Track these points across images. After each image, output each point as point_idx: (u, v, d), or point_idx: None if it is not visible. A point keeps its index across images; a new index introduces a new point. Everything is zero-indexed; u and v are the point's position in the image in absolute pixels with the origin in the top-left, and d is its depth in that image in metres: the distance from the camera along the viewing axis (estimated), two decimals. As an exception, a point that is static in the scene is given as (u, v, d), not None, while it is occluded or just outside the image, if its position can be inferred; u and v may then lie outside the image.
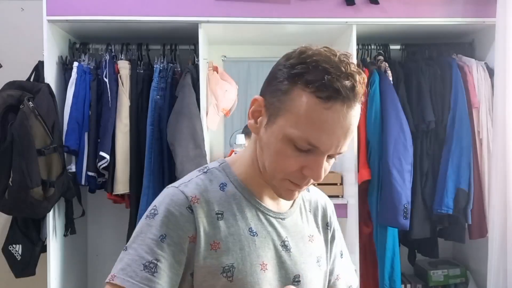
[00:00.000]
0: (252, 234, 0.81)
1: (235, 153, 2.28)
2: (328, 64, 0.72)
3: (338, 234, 1.00)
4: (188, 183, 0.83)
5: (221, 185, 0.84)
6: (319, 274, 0.90)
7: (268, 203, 0.86)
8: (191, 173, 0.88)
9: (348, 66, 0.73)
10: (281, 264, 0.83)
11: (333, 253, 0.98)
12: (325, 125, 0.73)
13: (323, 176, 0.78)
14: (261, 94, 0.81)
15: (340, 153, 0.77)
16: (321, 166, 0.76)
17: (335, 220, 1.00)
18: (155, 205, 0.81)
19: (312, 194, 0.97)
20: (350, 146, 2.16)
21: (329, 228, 0.97)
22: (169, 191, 0.83)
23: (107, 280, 0.76)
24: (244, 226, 0.81)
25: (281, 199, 0.86)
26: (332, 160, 0.80)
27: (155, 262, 0.75)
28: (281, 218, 0.86)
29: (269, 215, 0.85)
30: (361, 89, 0.73)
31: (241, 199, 0.83)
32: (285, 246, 0.84)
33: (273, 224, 0.84)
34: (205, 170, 0.87)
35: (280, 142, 0.76)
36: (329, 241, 0.96)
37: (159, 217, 0.78)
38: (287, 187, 0.80)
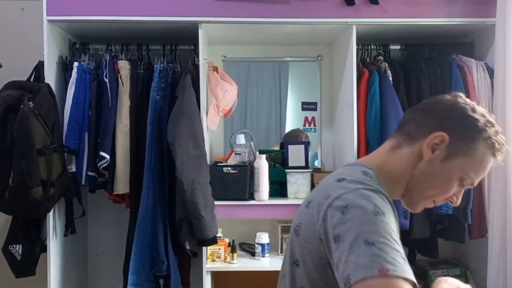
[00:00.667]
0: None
1: (235, 154, 2.29)
2: (501, 133, 0.97)
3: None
4: (364, 181, 0.90)
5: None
6: None
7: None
8: (352, 173, 0.93)
9: (501, 136, 0.98)
10: None
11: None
12: (486, 169, 0.98)
13: None
14: (442, 129, 0.94)
15: None
16: (460, 195, 1.01)
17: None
18: (375, 204, 0.82)
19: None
20: (350, 146, 2.17)
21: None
22: (366, 193, 0.85)
23: (373, 274, 0.71)
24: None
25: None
26: None
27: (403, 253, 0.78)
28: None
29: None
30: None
31: (389, 206, 0.90)
32: None
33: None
34: (364, 172, 0.94)
35: (454, 177, 0.96)
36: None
37: (387, 213, 0.83)
38: (426, 205, 1.02)
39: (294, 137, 2.57)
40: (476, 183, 0.98)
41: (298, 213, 0.98)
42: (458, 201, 1.01)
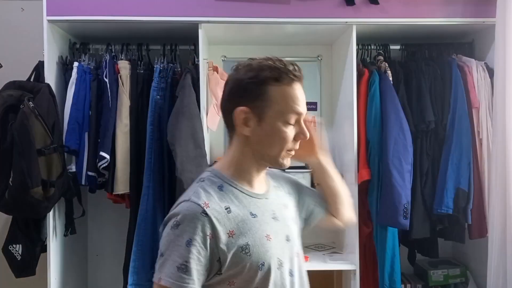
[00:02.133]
0: (253, 216, 1.04)
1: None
2: (271, 62, 1.04)
3: (302, 185, 1.30)
4: (195, 194, 1.02)
5: (219, 187, 1.05)
6: (296, 229, 1.18)
7: (256, 189, 1.09)
8: (191, 187, 1.08)
9: (280, 60, 1.05)
10: (277, 231, 1.07)
11: (306, 202, 1.27)
12: (295, 97, 1.04)
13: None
14: (237, 106, 1.03)
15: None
16: (305, 127, 1.06)
17: (293, 181, 1.28)
18: (176, 218, 0.98)
19: (271, 175, 1.20)
20: (350, 146, 2.17)
21: (292, 192, 1.24)
22: (184, 204, 1.00)
23: (154, 280, 0.95)
24: (246, 212, 1.03)
25: (260, 184, 1.11)
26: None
27: (185, 263, 0.94)
28: (266, 198, 1.11)
29: (259, 198, 1.09)
30: (300, 70, 1.07)
31: (237, 193, 1.05)
32: (276, 217, 1.09)
33: (263, 204, 1.08)
34: (202, 180, 1.08)
35: (277, 126, 1.02)
36: (298, 199, 1.25)
37: (182, 227, 0.97)
38: (286, 157, 1.06)
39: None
40: (302, 111, 1.05)
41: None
42: (307, 134, 1.07)
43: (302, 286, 1.14)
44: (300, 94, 1.06)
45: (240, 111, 1.02)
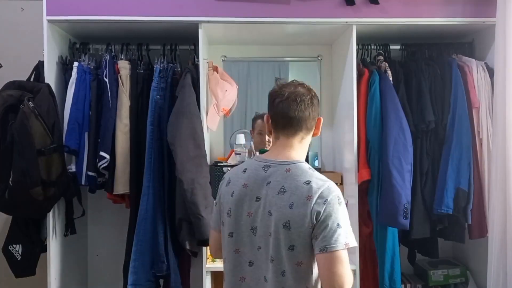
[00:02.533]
0: None
1: (235, 154, 2.29)
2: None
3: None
4: (320, 175, 1.31)
5: None
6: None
7: None
8: (308, 171, 1.31)
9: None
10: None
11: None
12: None
13: None
14: (319, 115, 1.37)
15: None
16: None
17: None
18: (339, 196, 1.26)
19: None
20: (350, 146, 2.17)
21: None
22: (332, 184, 1.29)
23: (342, 247, 1.20)
24: None
25: None
26: None
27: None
28: None
29: None
30: None
31: None
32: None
33: None
34: (309, 168, 1.33)
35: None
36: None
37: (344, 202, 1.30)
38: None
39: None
40: None
41: (279, 212, 1.24)
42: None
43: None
44: None
45: (320, 119, 1.37)
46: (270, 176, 1.29)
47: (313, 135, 1.38)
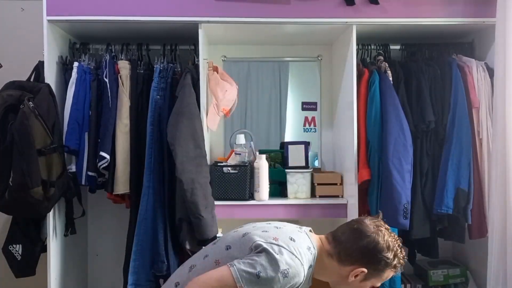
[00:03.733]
0: None
1: (235, 154, 2.29)
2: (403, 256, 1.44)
3: None
4: (298, 256, 1.36)
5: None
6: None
7: None
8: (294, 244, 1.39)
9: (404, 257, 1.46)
10: None
11: None
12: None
13: None
14: (363, 265, 1.39)
15: None
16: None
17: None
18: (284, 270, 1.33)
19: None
20: (350, 146, 2.17)
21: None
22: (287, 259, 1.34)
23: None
24: None
25: None
26: None
27: None
28: None
29: None
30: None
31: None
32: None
33: None
34: (307, 247, 1.41)
35: (365, 285, 1.44)
36: None
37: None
38: None
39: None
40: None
41: (230, 237, 1.46)
42: None
43: None
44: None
45: (361, 271, 1.40)
46: None
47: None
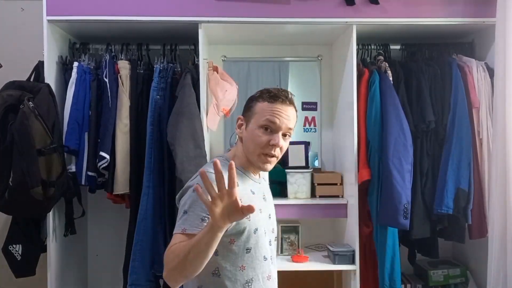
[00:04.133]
0: (252, 193, 1.34)
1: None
2: (270, 88, 1.36)
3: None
4: (209, 166, 1.25)
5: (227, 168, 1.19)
6: (274, 212, 1.48)
7: (253, 175, 1.39)
8: (207, 163, 1.37)
9: (279, 88, 1.36)
10: (265, 208, 1.38)
11: None
12: (275, 112, 1.30)
13: (282, 143, 1.30)
14: (241, 115, 1.38)
15: (288, 133, 1.32)
16: (279, 137, 1.29)
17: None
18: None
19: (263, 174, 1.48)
20: (350, 146, 2.17)
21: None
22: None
23: (177, 232, 1.18)
24: (248, 189, 1.33)
25: (256, 172, 1.39)
26: (287, 138, 1.33)
27: (206, 216, 1.16)
28: (259, 183, 1.40)
29: (255, 181, 1.38)
30: (292, 99, 1.34)
31: (242, 175, 1.34)
32: (264, 198, 1.41)
33: (258, 187, 1.38)
34: (215, 158, 1.29)
35: (255, 130, 1.30)
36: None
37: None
38: (264, 161, 1.31)
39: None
40: (275, 121, 1.29)
41: None
42: (278, 141, 1.29)
43: (274, 255, 1.42)
44: (280, 110, 1.30)
45: (238, 118, 1.38)
46: None
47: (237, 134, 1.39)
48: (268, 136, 1.29)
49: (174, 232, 1.19)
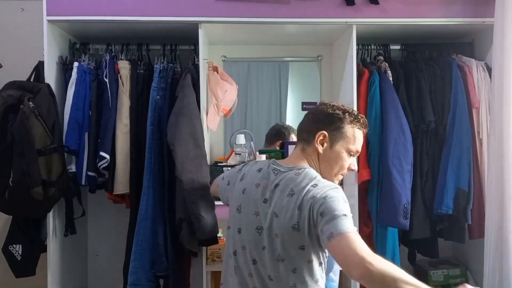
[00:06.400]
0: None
1: (235, 154, 2.29)
2: (352, 110, 1.41)
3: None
4: (326, 182, 1.34)
5: None
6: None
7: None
8: (310, 173, 1.35)
9: (356, 112, 1.43)
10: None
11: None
12: (359, 139, 1.40)
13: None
14: (320, 130, 1.36)
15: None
16: (355, 162, 1.43)
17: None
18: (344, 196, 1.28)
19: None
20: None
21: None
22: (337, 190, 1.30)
23: (346, 233, 1.19)
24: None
25: None
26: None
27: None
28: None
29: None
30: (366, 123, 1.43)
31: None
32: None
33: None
34: (315, 175, 1.34)
35: (342, 154, 1.37)
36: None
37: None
38: (337, 179, 1.40)
39: (275, 133, 2.38)
40: (359, 149, 1.40)
41: (288, 214, 1.29)
42: (355, 167, 1.42)
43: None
44: (361, 138, 1.40)
45: (321, 134, 1.37)
46: (280, 180, 1.34)
47: (314, 149, 1.38)
48: (350, 160, 1.40)
49: (348, 230, 1.18)
